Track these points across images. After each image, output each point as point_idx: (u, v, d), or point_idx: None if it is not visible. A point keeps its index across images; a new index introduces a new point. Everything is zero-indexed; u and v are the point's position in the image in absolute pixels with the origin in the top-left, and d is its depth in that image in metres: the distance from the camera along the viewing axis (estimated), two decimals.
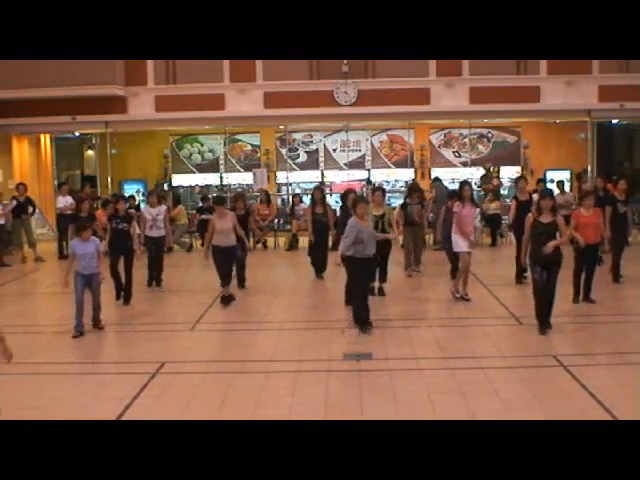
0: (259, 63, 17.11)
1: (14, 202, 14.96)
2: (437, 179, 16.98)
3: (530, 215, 8.20)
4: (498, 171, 17.42)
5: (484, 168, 17.90)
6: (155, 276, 11.47)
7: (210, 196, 18.56)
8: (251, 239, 16.44)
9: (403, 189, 19.05)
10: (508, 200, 18.49)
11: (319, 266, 12.00)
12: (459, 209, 9.91)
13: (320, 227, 11.88)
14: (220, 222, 9.95)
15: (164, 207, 11.71)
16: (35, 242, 15.24)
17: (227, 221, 9.95)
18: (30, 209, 15.42)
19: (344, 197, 11.03)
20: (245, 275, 11.22)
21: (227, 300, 9.94)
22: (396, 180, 19.42)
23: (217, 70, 17.02)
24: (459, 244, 9.84)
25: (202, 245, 16.61)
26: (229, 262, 10.06)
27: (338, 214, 12.30)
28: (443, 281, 11.24)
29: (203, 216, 16.77)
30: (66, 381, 6.98)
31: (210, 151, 19.92)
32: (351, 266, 8.51)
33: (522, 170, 19.09)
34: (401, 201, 13.23)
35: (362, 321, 8.31)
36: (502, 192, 18.92)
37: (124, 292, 10.26)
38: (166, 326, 9.02)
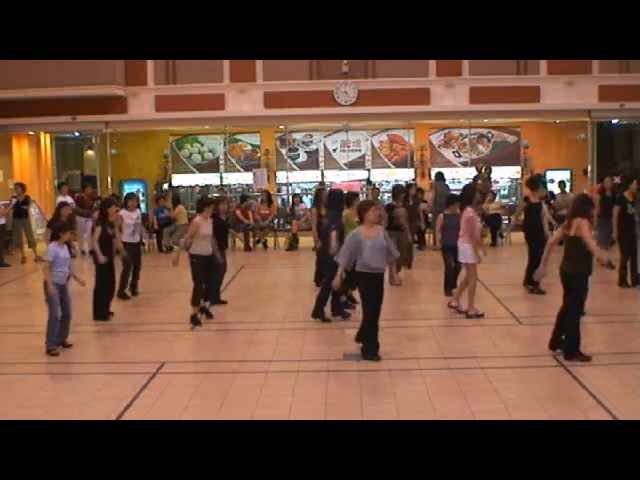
0: (259, 63, 17.12)
1: (14, 200, 14.98)
2: (439, 176, 16.31)
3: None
4: (489, 172, 17.28)
5: (476, 169, 17.82)
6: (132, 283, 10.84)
7: (210, 196, 18.63)
8: (251, 239, 16.53)
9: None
10: (505, 201, 18.55)
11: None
12: (474, 214, 9.10)
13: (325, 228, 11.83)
14: (205, 225, 9.07)
15: (139, 211, 11.20)
16: (35, 242, 15.24)
17: (209, 226, 9.12)
18: (32, 209, 15.46)
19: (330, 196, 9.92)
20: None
21: (196, 321, 8.94)
22: (396, 180, 19.39)
23: (217, 70, 17.03)
24: (468, 254, 9.02)
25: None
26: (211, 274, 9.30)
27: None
28: (442, 280, 11.23)
29: None
30: (66, 381, 6.98)
31: (210, 151, 19.92)
32: (359, 282, 7.49)
33: (522, 170, 19.09)
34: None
35: (370, 349, 7.27)
36: (502, 192, 18.98)
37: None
38: (166, 326, 9.01)
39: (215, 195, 19.49)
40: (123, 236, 10.44)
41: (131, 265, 10.60)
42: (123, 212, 10.69)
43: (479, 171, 17.38)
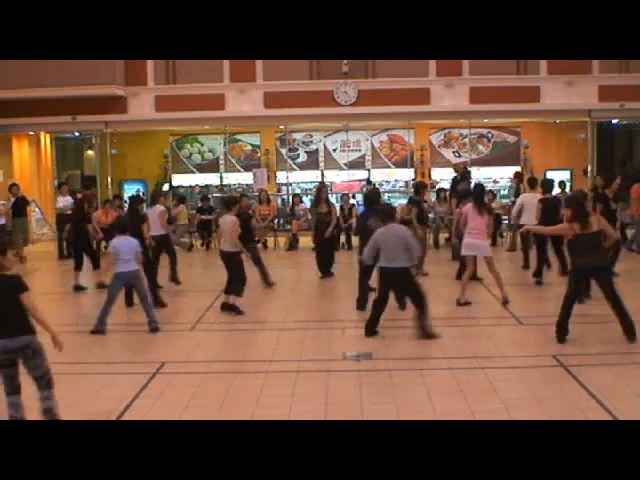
0: (259, 63, 17.12)
1: (12, 200, 14.99)
2: (463, 174, 15.58)
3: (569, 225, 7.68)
4: (465, 172, 17.14)
5: (455, 170, 17.68)
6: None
7: (210, 196, 18.68)
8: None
9: (403, 189, 19.09)
10: (505, 201, 18.54)
11: (326, 265, 12.10)
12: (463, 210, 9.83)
13: (324, 227, 12.03)
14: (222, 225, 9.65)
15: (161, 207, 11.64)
16: (27, 242, 15.32)
17: (226, 224, 9.51)
18: (32, 209, 15.52)
19: (370, 199, 10.26)
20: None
21: (229, 309, 9.49)
22: (396, 180, 19.43)
23: (217, 70, 17.04)
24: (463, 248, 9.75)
25: (202, 245, 16.75)
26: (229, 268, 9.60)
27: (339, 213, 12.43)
28: (443, 280, 11.24)
29: (203, 216, 16.82)
30: (66, 381, 6.96)
31: (210, 151, 19.93)
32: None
33: (522, 170, 19.07)
34: (402, 201, 13.26)
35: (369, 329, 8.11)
36: (502, 192, 18.98)
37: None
38: (166, 326, 9.00)
39: (216, 195, 19.57)
40: (150, 230, 10.74)
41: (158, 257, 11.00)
42: (148, 210, 11.09)
43: (458, 172, 17.26)
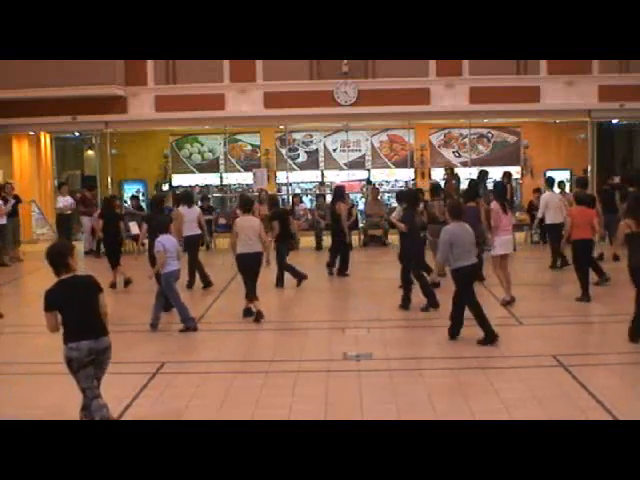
0: (259, 63, 17.11)
1: (13, 201, 14.96)
2: (481, 174, 15.38)
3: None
4: (451, 173, 17.11)
5: (445, 170, 17.64)
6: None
7: (210, 196, 18.69)
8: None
9: (404, 189, 19.09)
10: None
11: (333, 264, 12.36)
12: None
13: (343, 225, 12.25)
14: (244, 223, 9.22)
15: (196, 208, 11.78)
16: (20, 242, 15.35)
17: (250, 226, 9.15)
18: (31, 207, 15.53)
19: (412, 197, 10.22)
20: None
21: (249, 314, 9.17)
22: (396, 180, 19.42)
23: (217, 70, 17.02)
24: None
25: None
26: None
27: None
28: (444, 280, 11.20)
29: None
30: (67, 381, 6.95)
31: (210, 151, 19.93)
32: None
33: (522, 170, 19.09)
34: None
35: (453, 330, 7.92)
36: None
37: None
38: (166, 326, 9.01)
39: (216, 194, 19.58)
40: (184, 230, 10.80)
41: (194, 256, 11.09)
42: (182, 209, 11.16)
43: (448, 173, 17.27)
